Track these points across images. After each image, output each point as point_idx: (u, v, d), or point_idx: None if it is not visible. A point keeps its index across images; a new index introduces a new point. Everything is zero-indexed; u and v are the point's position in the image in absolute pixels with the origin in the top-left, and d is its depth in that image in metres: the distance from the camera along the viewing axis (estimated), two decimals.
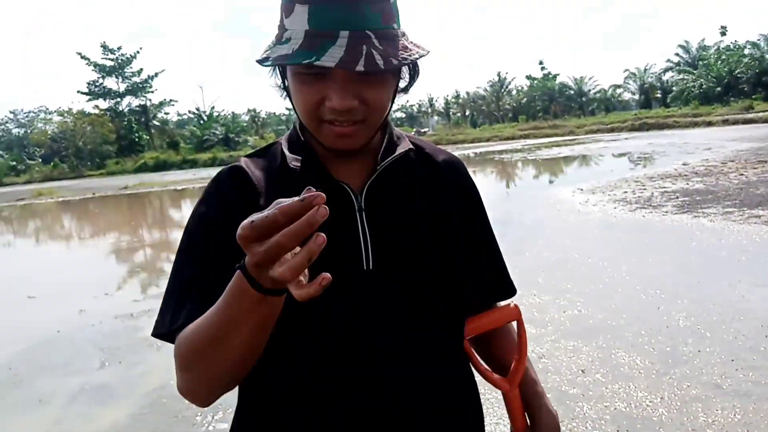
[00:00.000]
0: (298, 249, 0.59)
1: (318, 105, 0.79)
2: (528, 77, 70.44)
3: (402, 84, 0.88)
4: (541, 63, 69.72)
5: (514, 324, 1.00)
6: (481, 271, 0.99)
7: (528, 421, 0.98)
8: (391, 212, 0.88)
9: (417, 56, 0.79)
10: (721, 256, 5.70)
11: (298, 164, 0.87)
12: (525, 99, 67.47)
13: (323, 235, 0.57)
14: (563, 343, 3.93)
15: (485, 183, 15.33)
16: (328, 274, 0.57)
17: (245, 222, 0.58)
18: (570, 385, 3.33)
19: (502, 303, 1.05)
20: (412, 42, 0.82)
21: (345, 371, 0.84)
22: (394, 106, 0.91)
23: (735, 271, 5.16)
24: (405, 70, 0.87)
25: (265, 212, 0.57)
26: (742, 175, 11.08)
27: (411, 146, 0.92)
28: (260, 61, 0.79)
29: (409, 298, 0.86)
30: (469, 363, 0.98)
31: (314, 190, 0.57)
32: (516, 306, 1.00)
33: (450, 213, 0.93)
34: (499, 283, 1.03)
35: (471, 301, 1.01)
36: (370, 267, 0.84)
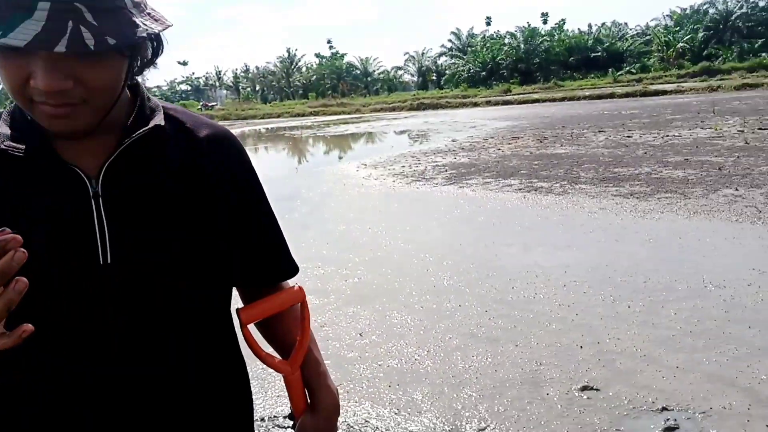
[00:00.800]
0: None
1: (23, 83, 0.67)
2: (317, 55, 71.54)
3: (143, 58, 0.76)
4: (329, 42, 71.34)
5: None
6: (258, 251, 0.94)
7: (308, 401, 0.98)
8: (136, 197, 0.78)
9: (144, 34, 0.67)
10: (480, 221, 6.44)
11: (13, 144, 0.74)
12: (315, 77, 68.49)
13: (24, 279, 0.52)
14: (344, 309, 4.11)
15: (277, 159, 15.33)
16: (30, 326, 0.54)
17: None
18: (348, 349, 3.49)
19: (289, 282, 1.01)
20: (148, 14, 0.71)
21: (84, 370, 0.78)
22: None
23: (490, 233, 5.87)
24: (146, 44, 0.74)
25: None
26: (499, 149, 12.61)
27: (163, 121, 0.81)
28: None
29: (155, 291, 0.78)
30: (239, 349, 0.94)
31: (10, 231, 0.51)
32: (300, 288, 0.96)
33: (214, 192, 0.84)
34: (278, 262, 0.97)
35: (248, 284, 0.97)
36: (108, 261, 0.75)
